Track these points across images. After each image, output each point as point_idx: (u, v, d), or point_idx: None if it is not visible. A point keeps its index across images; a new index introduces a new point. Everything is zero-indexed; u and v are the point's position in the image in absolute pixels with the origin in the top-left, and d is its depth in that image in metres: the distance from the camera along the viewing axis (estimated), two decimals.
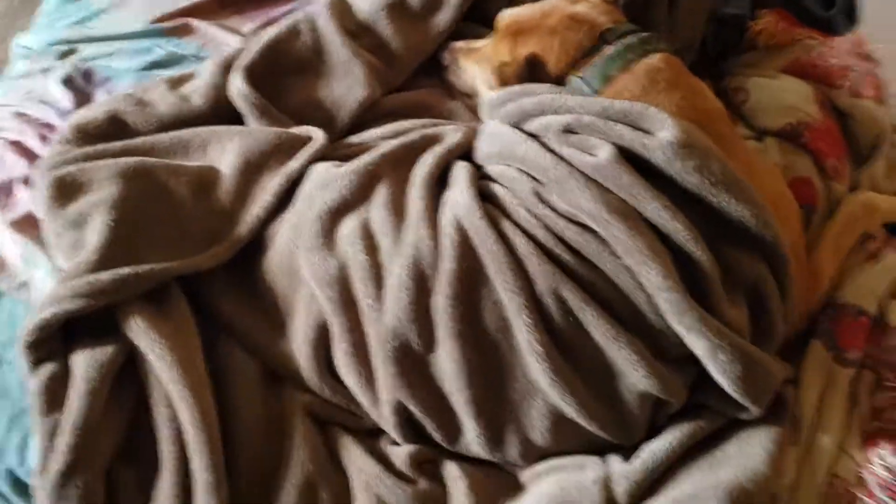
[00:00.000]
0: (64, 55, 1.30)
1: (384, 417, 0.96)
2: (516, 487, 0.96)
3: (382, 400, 0.95)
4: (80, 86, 1.26)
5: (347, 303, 0.95)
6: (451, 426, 0.95)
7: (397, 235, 0.97)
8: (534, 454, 0.96)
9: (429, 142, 1.09)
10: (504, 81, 1.12)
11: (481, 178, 1.03)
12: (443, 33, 1.29)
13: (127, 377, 0.96)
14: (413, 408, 0.94)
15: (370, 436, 1.00)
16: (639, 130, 0.93)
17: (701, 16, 1.28)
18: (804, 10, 1.30)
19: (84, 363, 0.93)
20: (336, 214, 1.01)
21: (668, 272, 0.87)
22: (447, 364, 0.92)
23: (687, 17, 1.27)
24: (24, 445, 0.97)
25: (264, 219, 1.06)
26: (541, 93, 1.01)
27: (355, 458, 0.96)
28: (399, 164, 1.06)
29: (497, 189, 0.99)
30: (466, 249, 0.92)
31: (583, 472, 0.93)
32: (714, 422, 0.96)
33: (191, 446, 0.90)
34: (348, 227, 0.99)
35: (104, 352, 0.94)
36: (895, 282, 1.09)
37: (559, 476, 0.94)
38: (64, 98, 1.24)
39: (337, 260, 0.97)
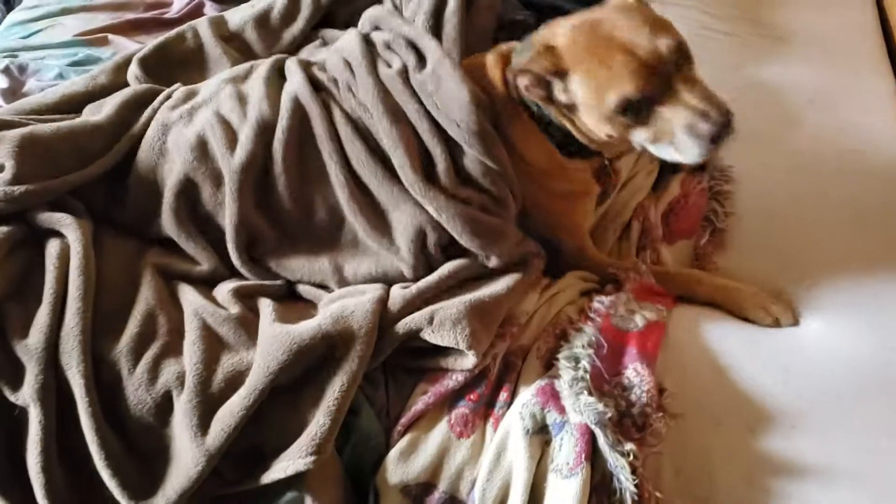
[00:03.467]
0: (6, 57, 1.71)
1: (231, 241, 1.30)
2: (311, 313, 1.27)
3: (231, 224, 1.29)
4: (16, 75, 1.66)
5: (204, 157, 1.31)
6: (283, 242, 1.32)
7: (244, 112, 1.34)
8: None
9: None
10: None
11: (311, 66, 1.41)
12: (296, 39, 1.72)
13: (21, 249, 1.29)
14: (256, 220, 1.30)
15: (203, 284, 1.33)
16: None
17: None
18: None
19: None
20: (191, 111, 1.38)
21: (408, 154, 1.25)
22: (281, 189, 1.29)
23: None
24: None
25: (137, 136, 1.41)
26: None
27: (189, 296, 1.27)
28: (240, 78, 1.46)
29: (323, 78, 1.37)
30: (300, 111, 1.31)
31: (363, 295, 1.24)
32: (475, 263, 1.28)
33: (72, 283, 1.21)
34: (203, 114, 1.35)
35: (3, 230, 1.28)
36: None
37: (344, 300, 1.25)
38: (2, 82, 1.63)
39: (194, 130, 1.33)
